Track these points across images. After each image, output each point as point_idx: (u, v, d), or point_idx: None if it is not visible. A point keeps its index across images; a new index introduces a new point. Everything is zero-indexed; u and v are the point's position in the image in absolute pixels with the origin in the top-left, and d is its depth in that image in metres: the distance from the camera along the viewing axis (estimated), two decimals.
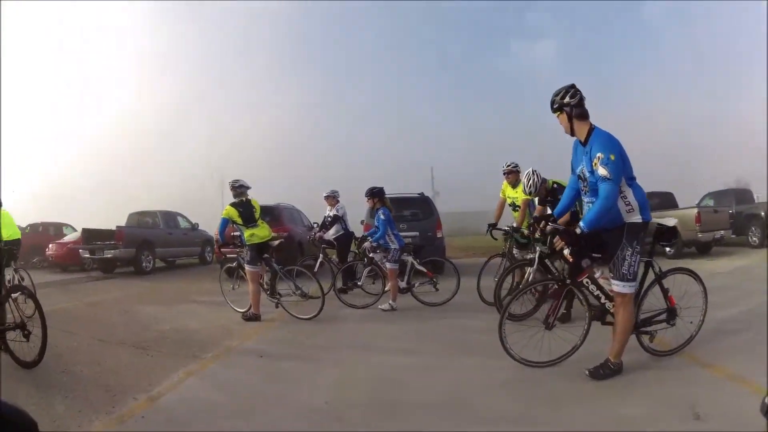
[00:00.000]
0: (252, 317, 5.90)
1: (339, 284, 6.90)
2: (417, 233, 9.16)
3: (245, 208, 5.93)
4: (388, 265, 6.32)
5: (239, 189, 6.04)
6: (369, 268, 6.71)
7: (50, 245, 14.58)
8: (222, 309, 6.48)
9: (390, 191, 7.46)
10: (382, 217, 6.23)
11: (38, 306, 4.02)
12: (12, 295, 4.20)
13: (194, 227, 15.36)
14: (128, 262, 12.61)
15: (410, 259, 6.52)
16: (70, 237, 15.33)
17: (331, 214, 8.23)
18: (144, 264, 12.63)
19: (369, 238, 6.60)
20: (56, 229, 17.14)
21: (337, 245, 8.20)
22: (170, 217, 14.71)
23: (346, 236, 8.27)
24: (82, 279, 12.08)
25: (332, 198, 8.35)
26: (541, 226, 4.01)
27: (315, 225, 9.67)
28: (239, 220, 5.88)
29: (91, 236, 12.76)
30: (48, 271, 14.04)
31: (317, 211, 9.93)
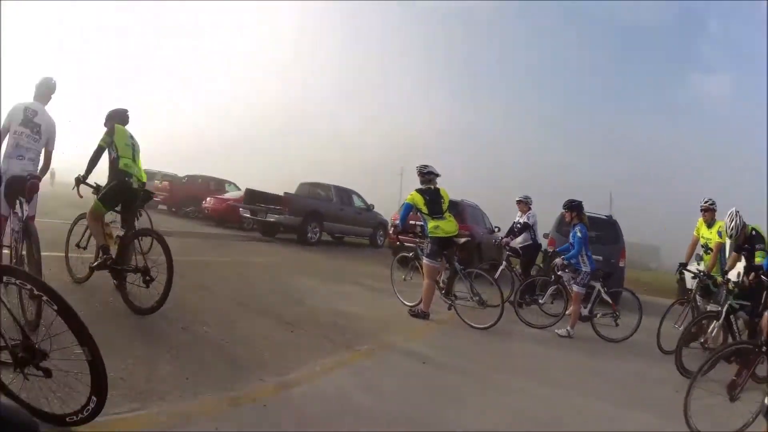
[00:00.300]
0: (420, 314, 5.60)
1: (517, 297, 6.65)
2: (601, 258, 8.34)
3: (432, 197, 5.69)
4: (575, 287, 6.01)
5: (428, 175, 5.78)
6: (555, 286, 6.37)
7: (208, 198, 15.20)
8: (388, 298, 6.29)
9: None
10: (579, 234, 5.98)
11: (166, 250, 3.72)
12: (140, 237, 3.99)
13: (369, 208, 14.90)
14: (292, 230, 12.36)
15: (598, 285, 6.18)
16: (231, 194, 15.86)
17: (521, 220, 7.91)
18: (309, 234, 12.28)
19: (561, 254, 6.32)
20: (218, 185, 17.75)
21: (523, 255, 7.84)
22: (344, 193, 14.30)
23: (534, 247, 7.97)
24: (238, 237, 12.39)
25: (524, 204, 7.96)
26: (751, 278, 4.23)
27: (497, 229, 10.08)
28: (425, 209, 5.63)
29: (254, 197, 12.80)
30: (202, 222, 15.04)
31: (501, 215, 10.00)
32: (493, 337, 5.19)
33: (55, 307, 1.82)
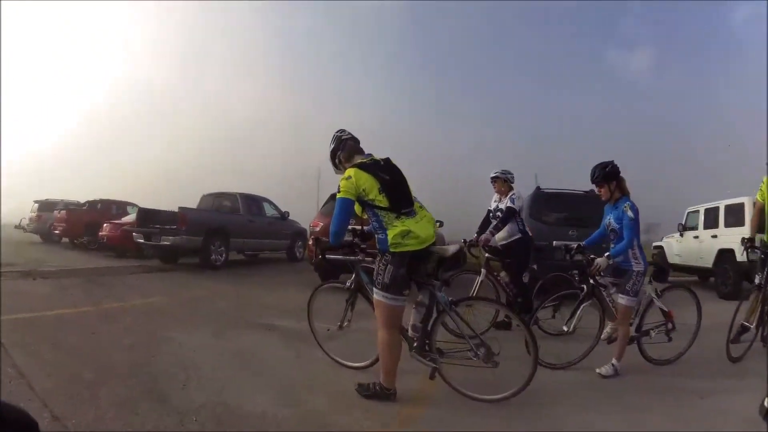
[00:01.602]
0: (378, 392, 3.33)
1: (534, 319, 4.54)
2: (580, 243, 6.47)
3: (391, 176, 3.28)
4: (622, 299, 4.10)
5: (352, 142, 3.49)
6: (591, 300, 4.31)
7: (104, 225, 13.87)
8: (314, 353, 4.21)
9: None
10: (630, 214, 4.02)
11: None
12: None
13: (283, 216, 13.65)
14: (193, 252, 10.95)
15: (650, 289, 4.41)
16: (128, 218, 14.47)
17: (502, 206, 5.79)
18: (214, 256, 10.88)
19: (588, 249, 4.44)
20: (119, 208, 16.80)
21: (510, 255, 5.81)
22: (253, 203, 13.00)
23: (525, 242, 5.84)
24: (132, 269, 10.59)
25: (503, 181, 5.87)
26: None
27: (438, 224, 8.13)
28: (383, 201, 3.17)
29: (147, 217, 11.38)
30: (100, 255, 13.53)
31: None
32: (522, 409, 3.22)
33: None
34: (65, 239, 17.23)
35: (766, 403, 1.78)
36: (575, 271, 4.49)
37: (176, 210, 10.64)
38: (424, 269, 3.31)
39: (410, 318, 3.41)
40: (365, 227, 3.66)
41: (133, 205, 16.68)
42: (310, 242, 8.54)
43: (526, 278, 5.71)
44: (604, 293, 4.25)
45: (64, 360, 3.90)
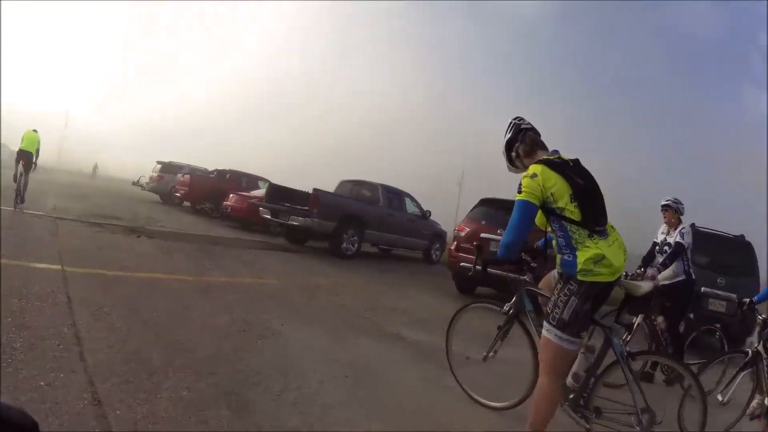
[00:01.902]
0: None
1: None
2: (734, 297, 5.43)
3: (585, 182, 2.49)
4: None
5: (531, 133, 2.74)
6: (750, 369, 3.58)
7: (230, 195, 13.37)
8: (445, 379, 3.38)
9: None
10: None
11: None
12: None
13: (425, 215, 12.35)
14: (324, 237, 9.90)
15: None
16: (257, 192, 13.76)
17: (671, 240, 5.08)
18: (345, 245, 9.83)
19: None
20: (249, 181, 16.09)
21: (674, 298, 4.95)
22: (395, 196, 11.73)
23: (688, 285, 5.05)
24: (254, 244, 9.79)
25: (674, 212, 5.16)
26: None
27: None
28: (574, 212, 2.42)
29: (277, 194, 10.82)
30: (222, 223, 13.13)
31: None
32: None
33: None
34: (186, 203, 17.25)
35: (766, 401, 1.79)
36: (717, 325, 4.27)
37: (310, 191, 9.74)
38: (603, 308, 2.87)
39: (576, 366, 2.79)
40: (537, 242, 3.08)
41: (264, 180, 16.04)
42: (452, 247, 7.84)
43: (681, 327, 5.07)
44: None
45: (137, 332, 3.32)
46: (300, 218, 9.33)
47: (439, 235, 12.77)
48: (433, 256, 12.67)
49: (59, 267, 4.75)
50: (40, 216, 8.42)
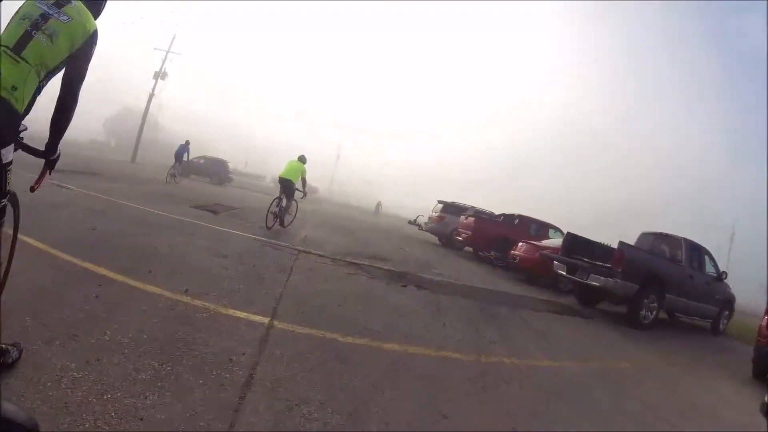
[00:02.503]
0: None
1: None
2: None
3: None
4: None
5: None
6: None
7: (520, 244, 12.59)
8: None
9: None
10: None
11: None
12: None
13: (720, 276, 10.71)
14: (622, 301, 8.90)
15: None
16: (550, 241, 13.00)
17: None
18: (644, 312, 8.60)
19: None
20: (539, 229, 15.36)
21: None
22: (696, 253, 10.36)
23: None
24: (534, 303, 8.75)
25: None
26: None
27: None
28: None
29: (576, 246, 9.85)
30: (506, 275, 12.48)
31: None
32: None
33: None
34: (468, 248, 16.64)
35: (766, 399, 1.90)
36: None
37: (611, 244, 9.03)
38: None
39: None
40: None
41: (555, 228, 15.36)
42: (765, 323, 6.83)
43: None
44: None
45: None
46: (601, 278, 8.37)
47: (729, 301, 11.20)
48: (720, 326, 11.16)
49: (266, 320, 3.88)
50: (279, 246, 8.03)
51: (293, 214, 11.67)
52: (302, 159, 11.57)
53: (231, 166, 33.06)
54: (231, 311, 3.90)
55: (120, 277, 4.19)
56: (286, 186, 11.03)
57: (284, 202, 10.91)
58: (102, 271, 4.26)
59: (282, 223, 10.92)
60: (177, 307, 3.79)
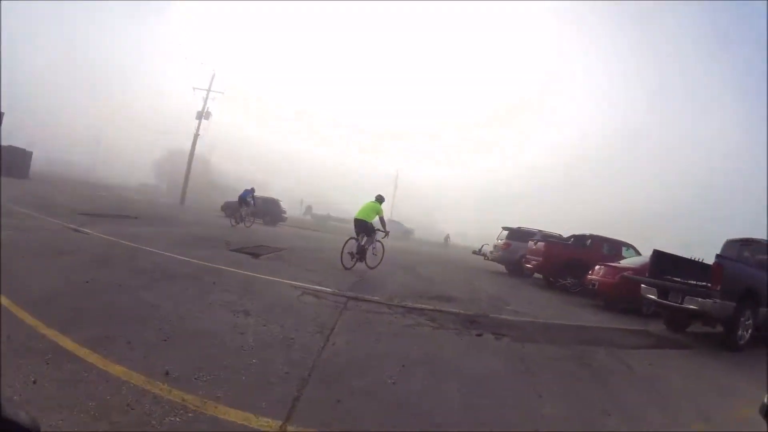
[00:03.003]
0: None
1: None
2: None
3: None
4: None
5: None
6: None
7: (597, 267, 11.69)
8: None
9: None
10: None
11: None
12: None
13: None
14: (716, 321, 7.92)
15: None
16: (627, 261, 12.17)
17: None
18: (740, 331, 7.71)
19: None
20: (612, 248, 14.36)
21: None
22: None
23: None
24: (629, 337, 7.81)
25: None
26: None
27: None
28: None
29: (663, 265, 8.80)
30: (583, 302, 11.50)
31: None
32: None
33: None
34: (537, 275, 15.67)
35: (766, 400, 1.75)
36: None
37: (704, 260, 8.17)
38: None
39: None
40: None
41: (627, 245, 14.38)
42: None
43: None
44: None
45: None
46: (699, 299, 7.51)
47: None
48: None
49: (277, 424, 2.75)
50: (321, 294, 6.94)
51: (379, 255, 11.39)
52: (379, 199, 11.51)
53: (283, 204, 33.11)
54: (223, 410, 2.79)
55: (82, 351, 3.36)
56: (362, 227, 10.98)
57: (363, 241, 10.88)
58: (64, 341, 3.48)
59: (367, 265, 10.90)
60: (142, 400, 2.78)
